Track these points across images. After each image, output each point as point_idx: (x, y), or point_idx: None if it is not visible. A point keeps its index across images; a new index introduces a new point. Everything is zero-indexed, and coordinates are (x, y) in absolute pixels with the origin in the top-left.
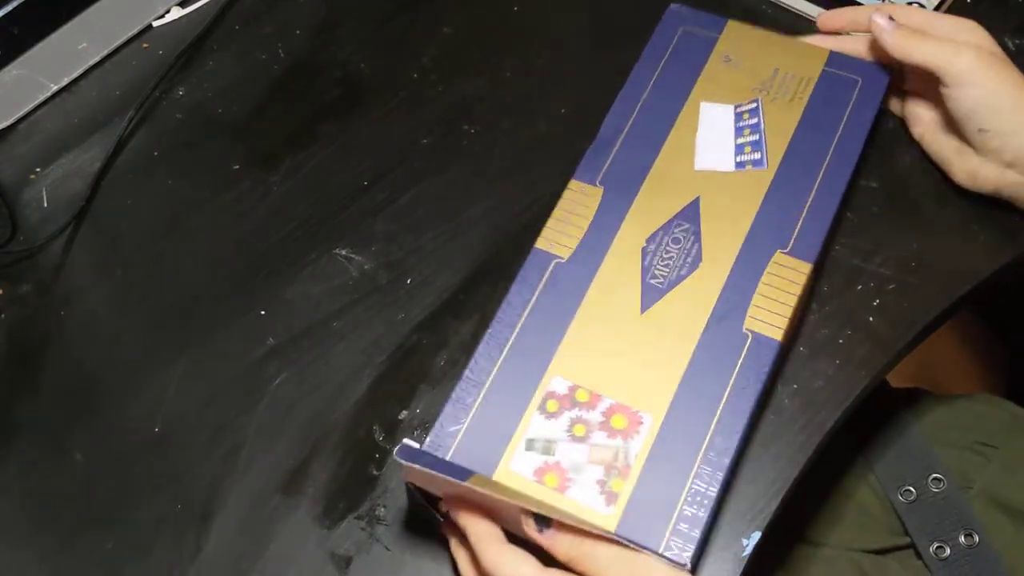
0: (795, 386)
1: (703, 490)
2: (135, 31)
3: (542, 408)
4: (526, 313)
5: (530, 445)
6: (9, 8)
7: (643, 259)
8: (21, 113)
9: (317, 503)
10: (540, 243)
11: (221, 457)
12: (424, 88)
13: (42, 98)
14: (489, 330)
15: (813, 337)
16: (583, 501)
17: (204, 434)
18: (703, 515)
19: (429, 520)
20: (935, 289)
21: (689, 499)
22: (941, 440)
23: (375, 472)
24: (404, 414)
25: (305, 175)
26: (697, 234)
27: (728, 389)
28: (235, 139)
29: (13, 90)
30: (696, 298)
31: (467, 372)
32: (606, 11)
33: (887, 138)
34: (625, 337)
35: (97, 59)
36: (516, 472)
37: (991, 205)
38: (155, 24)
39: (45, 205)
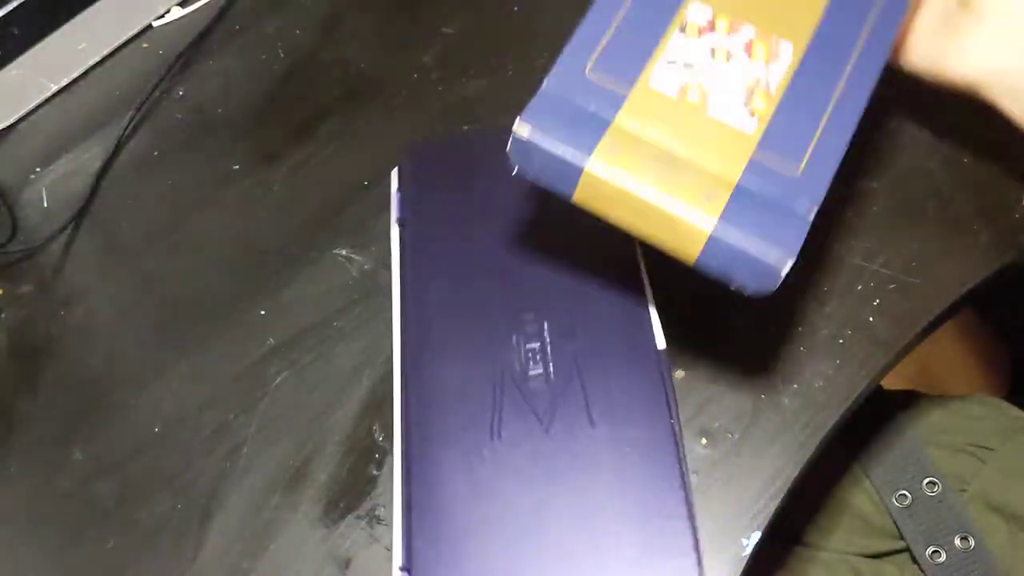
0: (795, 386)
1: (837, 125)
2: (135, 31)
3: (683, 29)
4: None
5: (672, 64)
6: (9, 8)
7: None
8: (21, 113)
9: (317, 503)
10: None
11: (221, 457)
12: (424, 88)
13: (42, 98)
14: None
15: (813, 337)
16: (725, 119)
17: (204, 434)
18: (840, 148)
19: None
20: (935, 289)
21: (822, 135)
22: (936, 443)
23: (375, 472)
24: None
25: (305, 175)
26: None
27: (863, 35)
28: (235, 139)
29: (13, 90)
30: None
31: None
32: None
33: (887, 138)
34: None
35: (97, 59)
36: (657, 90)
37: (991, 205)
38: (155, 24)
39: (45, 205)
